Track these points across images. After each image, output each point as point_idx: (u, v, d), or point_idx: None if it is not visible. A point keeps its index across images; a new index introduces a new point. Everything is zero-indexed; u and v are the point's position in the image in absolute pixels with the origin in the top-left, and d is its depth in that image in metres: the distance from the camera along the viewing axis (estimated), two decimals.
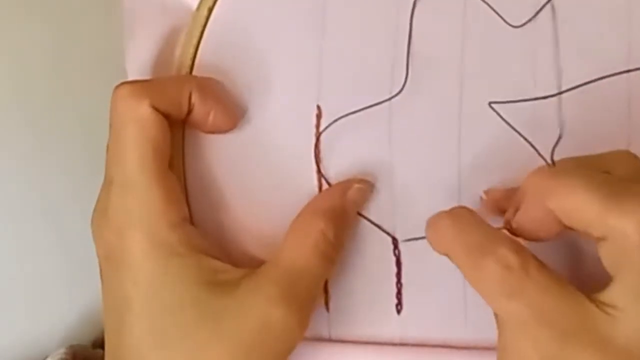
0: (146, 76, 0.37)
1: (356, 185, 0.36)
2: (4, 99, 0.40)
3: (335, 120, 0.36)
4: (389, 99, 0.36)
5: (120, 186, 0.33)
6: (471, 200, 0.36)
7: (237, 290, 0.33)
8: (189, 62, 0.36)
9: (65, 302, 0.42)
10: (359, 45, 0.36)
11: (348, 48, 0.36)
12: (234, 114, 0.36)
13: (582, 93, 0.34)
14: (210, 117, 0.36)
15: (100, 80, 0.38)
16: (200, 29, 0.36)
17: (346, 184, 0.36)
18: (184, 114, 0.35)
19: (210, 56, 0.37)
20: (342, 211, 0.35)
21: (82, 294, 0.42)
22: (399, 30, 0.36)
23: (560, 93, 0.33)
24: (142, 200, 0.33)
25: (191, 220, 0.36)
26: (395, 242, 0.36)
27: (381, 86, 0.36)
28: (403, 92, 0.36)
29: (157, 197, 0.33)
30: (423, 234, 0.33)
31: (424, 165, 0.36)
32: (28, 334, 0.41)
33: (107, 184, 0.34)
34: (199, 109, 0.35)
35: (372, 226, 0.36)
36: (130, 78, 0.37)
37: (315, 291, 0.34)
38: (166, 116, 0.34)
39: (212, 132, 0.37)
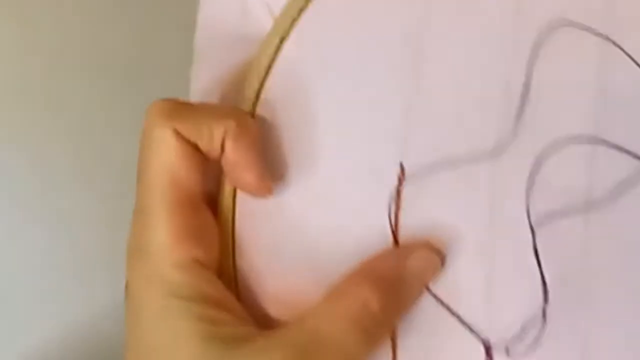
0: (208, 100, 0.33)
1: (422, 252, 0.30)
2: (8, 99, 0.41)
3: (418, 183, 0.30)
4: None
5: (138, 211, 0.30)
6: None
7: (241, 347, 0.28)
8: (252, 95, 0.32)
9: (68, 303, 0.42)
10: (458, 92, 0.31)
11: (443, 96, 0.31)
12: (263, 180, 0.31)
13: None
14: (236, 171, 0.31)
15: (102, 80, 0.38)
16: (268, 59, 0.31)
17: (410, 248, 0.30)
18: (215, 152, 0.30)
19: (277, 91, 0.32)
20: (398, 280, 0.29)
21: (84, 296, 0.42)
22: (512, 80, 0.30)
23: None
24: (150, 231, 0.30)
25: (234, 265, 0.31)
26: None
27: (482, 141, 0.30)
28: (511, 152, 0.30)
29: (167, 230, 0.29)
30: None
31: None
32: (30, 335, 0.42)
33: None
34: (227, 156, 0.30)
35: None
36: (192, 99, 0.34)
37: None
38: (195, 146, 0.30)
39: (236, 187, 0.32)
